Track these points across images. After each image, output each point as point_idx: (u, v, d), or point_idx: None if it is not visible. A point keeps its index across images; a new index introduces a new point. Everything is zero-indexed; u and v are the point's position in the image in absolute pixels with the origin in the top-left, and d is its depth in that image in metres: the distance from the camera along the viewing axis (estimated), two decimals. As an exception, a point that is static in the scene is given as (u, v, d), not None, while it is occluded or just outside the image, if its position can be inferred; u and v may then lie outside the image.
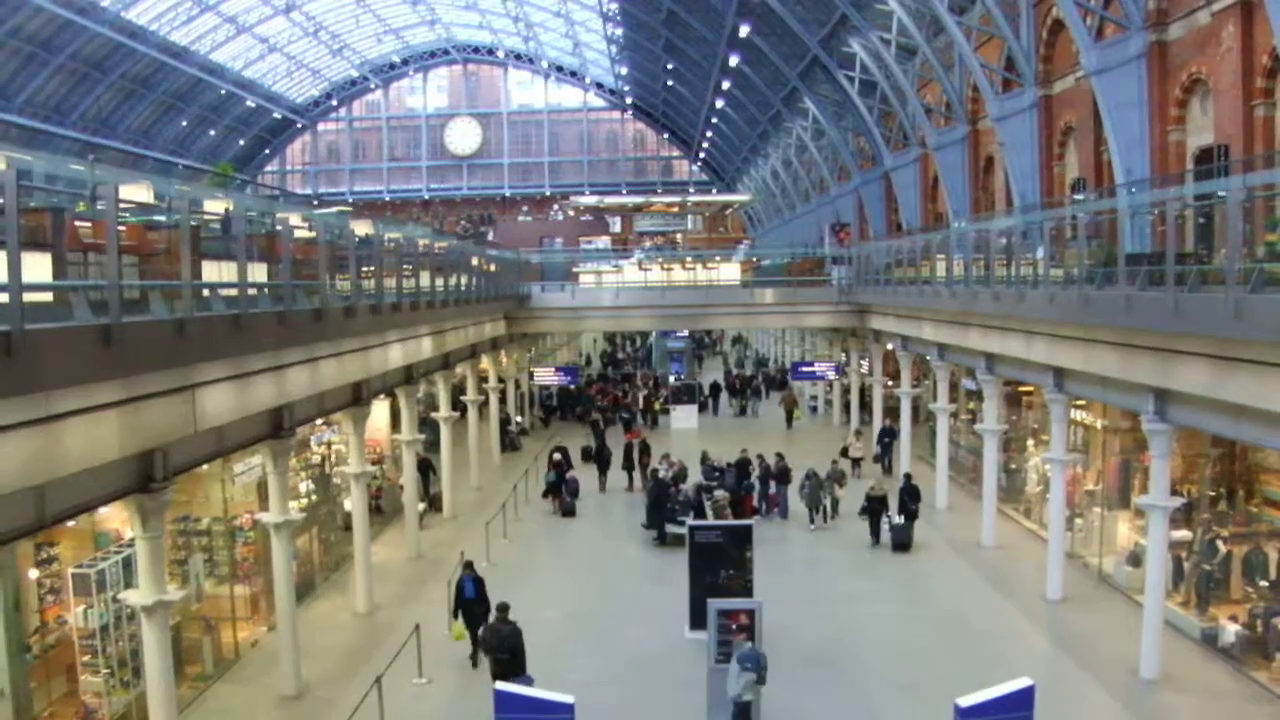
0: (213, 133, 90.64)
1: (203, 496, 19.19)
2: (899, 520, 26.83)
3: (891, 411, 37.77)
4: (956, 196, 42.43)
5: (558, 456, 33.43)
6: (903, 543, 26.60)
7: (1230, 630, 18.17)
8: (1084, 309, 17.35)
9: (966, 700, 12.06)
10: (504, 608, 17.38)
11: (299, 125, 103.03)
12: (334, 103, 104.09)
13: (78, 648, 15.57)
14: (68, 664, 15.71)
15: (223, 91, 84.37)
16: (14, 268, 8.32)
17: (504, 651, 16.75)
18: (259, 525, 19.98)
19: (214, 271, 14.16)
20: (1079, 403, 23.76)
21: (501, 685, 13.14)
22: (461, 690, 17.92)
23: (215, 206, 15.19)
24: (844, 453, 36.86)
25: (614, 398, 49.29)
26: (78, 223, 11.43)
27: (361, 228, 21.38)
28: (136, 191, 13.37)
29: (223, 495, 19.30)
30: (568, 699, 12.72)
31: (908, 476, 28.65)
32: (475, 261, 32.39)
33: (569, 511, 31.38)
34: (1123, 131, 27.66)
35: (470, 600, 19.25)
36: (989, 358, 24.72)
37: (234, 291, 13.38)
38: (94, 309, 10.20)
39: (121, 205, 11.82)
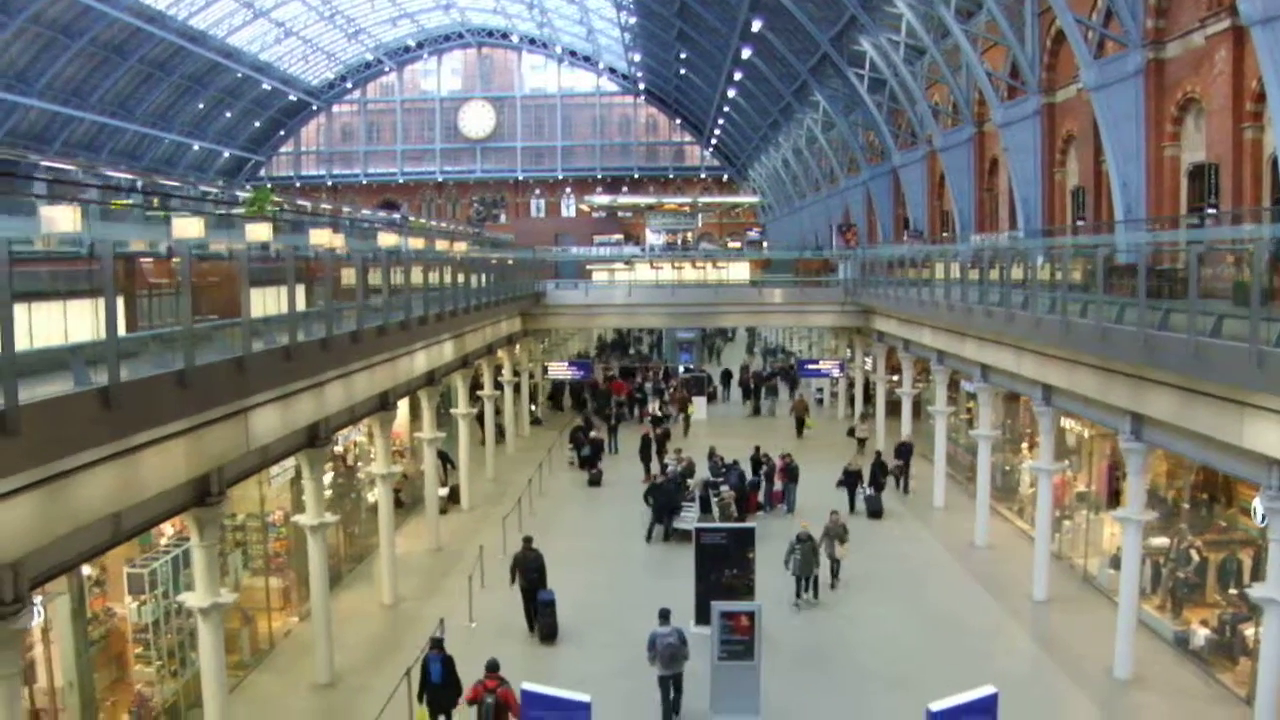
0: (229, 114, 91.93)
1: (239, 495, 20.45)
2: (870, 492, 30.92)
3: (893, 406, 38.95)
4: (962, 196, 43.45)
5: (592, 433, 38.08)
6: (875, 510, 30.73)
7: (1200, 634, 19.43)
8: (1065, 335, 18.57)
9: (937, 705, 13.32)
10: (529, 539, 22.72)
11: (314, 107, 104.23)
12: (348, 85, 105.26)
13: (131, 640, 16.86)
14: (116, 654, 16.99)
15: (239, 75, 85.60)
16: (111, 332, 9.58)
17: (534, 570, 21.81)
18: (290, 522, 21.41)
19: (259, 296, 15.40)
20: (1069, 411, 24.98)
21: (527, 685, 14.42)
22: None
23: (261, 233, 16.42)
24: (850, 433, 40.50)
25: (628, 391, 49.62)
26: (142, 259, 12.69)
27: (387, 240, 22.60)
28: (191, 225, 14.59)
29: (259, 494, 20.56)
30: (584, 698, 14.00)
31: (878, 454, 32.68)
32: (494, 262, 33.56)
33: (595, 481, 35.41)
34: (1120, 145, 28.67)
35: (436, 685, 16.65)
36: (984, 368, 25.86)
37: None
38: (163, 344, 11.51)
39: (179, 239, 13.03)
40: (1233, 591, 19.27)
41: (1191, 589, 20.53)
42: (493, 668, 15.89)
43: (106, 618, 16.83)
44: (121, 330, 11.06)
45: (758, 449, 32.87)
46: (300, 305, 16.19)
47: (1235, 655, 18.32)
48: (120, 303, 11.84)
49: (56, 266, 11.24)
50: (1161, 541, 21.45)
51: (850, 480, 31.40)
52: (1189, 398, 15.13)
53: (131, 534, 12.84)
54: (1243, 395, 13.46)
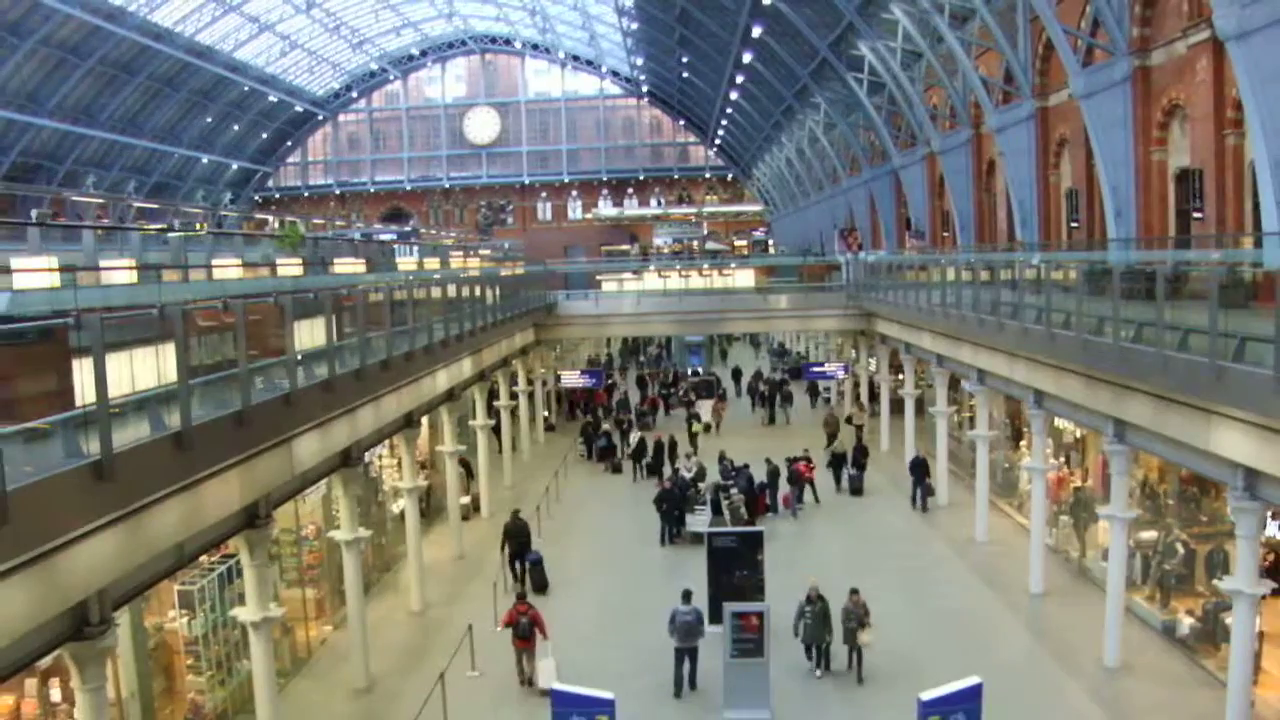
0: (236, 127, 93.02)
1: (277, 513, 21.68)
2: (854, 471, 34.89)
3: (897, 405, 40.11)
4: (961, 198, 44.33)
5: (605, 428, 42.47)
6: (858, 488, 34.81)
7: (1186, 623, 20.58)
8: (1051, 344, 19.72)
9: (928, 694, 14.56)
10: (516, 511, 27.03)
11: (320, 118, 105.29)
12: (354, 94, 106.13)
13: (182, 652, 18.07)
14: (165, 665, 18.20)
15: (246, 88, 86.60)
16: (183, 381, 10.77)
17: (521, 536, 26.14)
18: (323, 536, 22.67)
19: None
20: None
21: (558, 685, 15.64)
22: (510, 682, 20.31)
23: (293, 269, 17.61)
24: (849, 420, 42.54)
25: (650, 401, 50.45)
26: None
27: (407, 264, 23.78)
28: (231, 265, 15.78)
29: (294, 510, 21.75)
30: (609, 695, 15.17)
31: (859, 435, 36.28)
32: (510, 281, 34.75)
33: (618, 469, 38.96)
34: (1109, 150, 29.53)
35: None
36: (980, 371, 26.96)
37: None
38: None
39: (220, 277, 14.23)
40: (1216, 581, 20.35)
41: (1179, 580, 21.63)
42: (522, 597, 21.14)
43: (155, 632, 18.05)
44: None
45: (769, 461, 33.62)
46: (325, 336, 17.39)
47: (1218, 642, 19.40)
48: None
49: (123, 316, 12.37)
50: (1151, 535, 22.56)
51: (837, 461, 35.50)
52: (1163, 405, 16.26)
53: (192, 558, 14.07)
54: (1209, 404, 14.59)
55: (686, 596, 20.04)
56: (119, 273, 14.93)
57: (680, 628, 19.41)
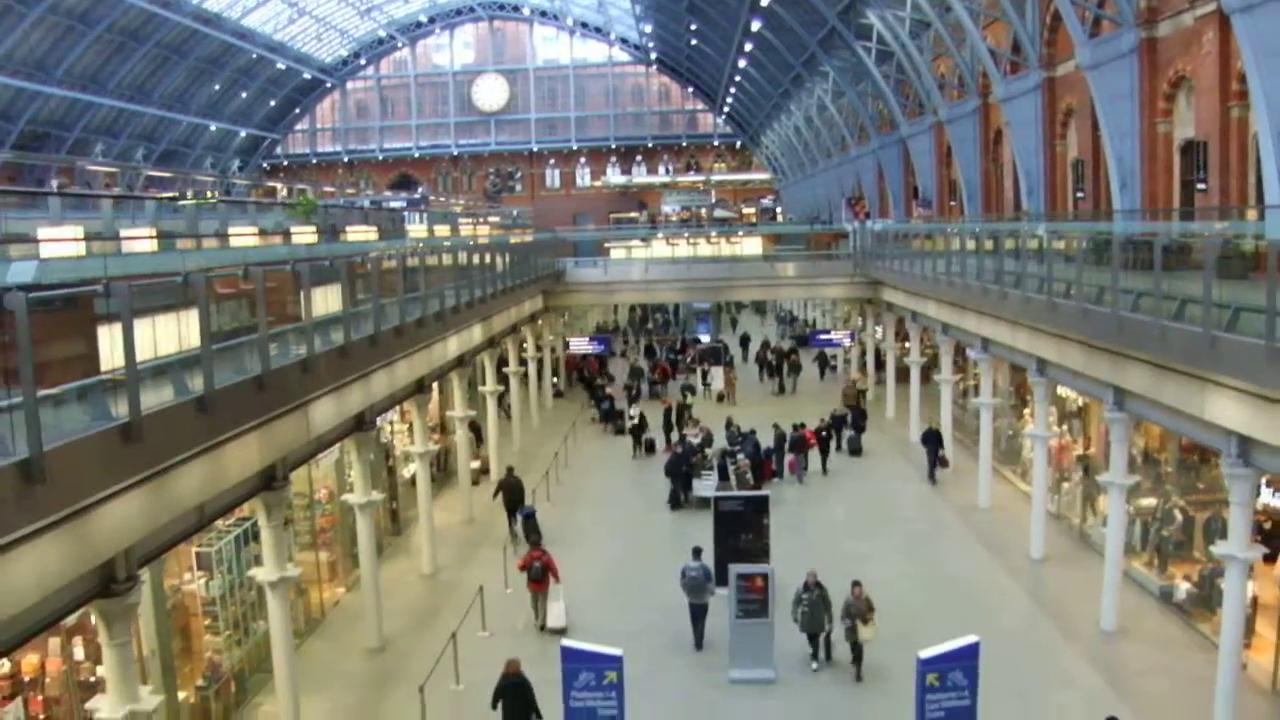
0: (244, 95, 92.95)
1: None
2: (852, 433, 36.27)
3: (903, 373, 40.44)
4: (968, 167, 44.53)
5: (608, 390, 43.51)
6: (856, 448, 36.16)
7: (1182, 588, 20.96)
8: (1052, 313, 20.05)
9: (926, 653, 15.00)
10: (510, 468, 28.44)
11: (328, 85, 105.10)
12: (362, 62, 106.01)
13: (200, 614, 18.51)
14: (182, 625, 18.64)
15: (254, 55, 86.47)
16: (205, 347, 11.14)
17: (516, 491, 27.58)
18: (336, 500, 23.12)
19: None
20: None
21: (566, 641, 16.04)
22: (519, 642, 20.71)
23: (307, 237, 17.95)
24: (852, 384, 43.28)
25: (661, 369, 50.56)
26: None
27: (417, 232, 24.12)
28: (246, 234, 16.13)
29: (307, 475, 22.16)
30: (617, 651, 15.60)
31: (860, 397, 38.15)
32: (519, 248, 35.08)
33: (620, 430, 39.48)
34: (1114, 122, 29.71)
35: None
36: (984, 340, 27.25)
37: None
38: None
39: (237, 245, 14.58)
40: (1210, 547, 20.74)
41: (1177, 547, 22.00)
42: (536, 543, 22.83)
43: (173, 593, 18.48)
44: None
45: (776, 426, 33.96)
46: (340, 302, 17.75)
47: (1213, 607, 19.76)
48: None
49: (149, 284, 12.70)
50: (1150, 502, 22.92)
51: (837, 423, 36.13)
52: (1160, 373, 16.58)
53: (212, 518, 14.50)
54: (1203, 372, 14.92)
55: (696, 553, 20.80)
56: (138, 241, 15.33)
57: (688, 583, 20.32)
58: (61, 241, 15.88)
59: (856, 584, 19.11)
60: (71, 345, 10.72)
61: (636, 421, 37.51)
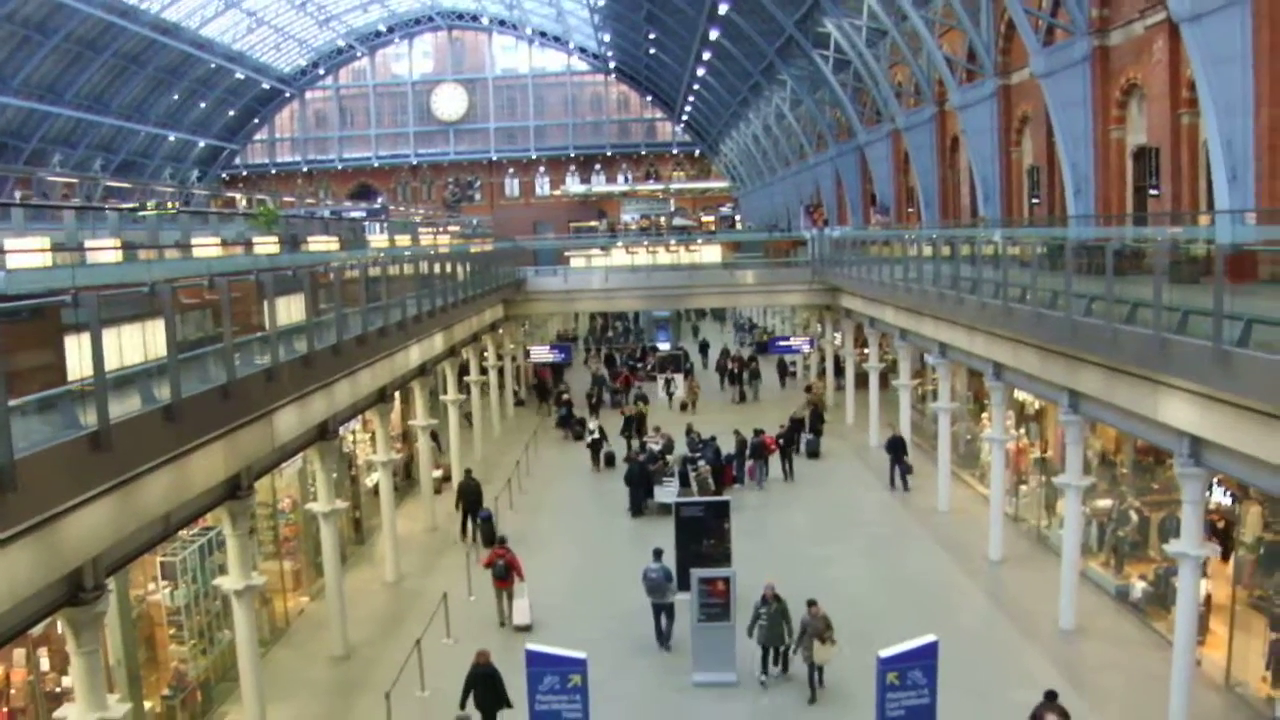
0: (203, 105, 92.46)
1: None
2: (810, 436, 36.98)
3: (862, 378, 40.90)
4: (925, 174, 45.01)
5: (566, 397, 43.61)
6: (815, 451, 36.66)
7: (1138, 587, 21.38)
8: (1007, 318, 20.42)
9: (886, 652, 15.26)
10: (469, 470, 29.24)
11: (287, 95, 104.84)
12: (321, 71, 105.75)
13: (165, 623, 18.49)
14: (147, 635, 18.61)
15: (213, 65, 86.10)
16: (172, 356, 11.21)
17: (473, 494, 28.25)
18: (299, 509, 23.14)
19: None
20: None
21: (531, 645, 16.13)
22: (485, 641, 20.62)
23: (270, 247, 18.02)
24: (808, 389, 44.64)
25: (624, 378, 50.35)
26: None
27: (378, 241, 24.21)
28: (209, 244, 16.18)
29: (270, 484, 22.17)
30: (581, 655, 15.74)
31: (816, 404, 39.14)
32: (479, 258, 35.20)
33: (579, 436, 39.81)
34: (1068, 129, 30.15)
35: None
36: (941, 345, 27.62)
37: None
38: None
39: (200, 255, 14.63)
40: (1164, 546, 21.16)
41: (1133, 547, 22.40)
42: (502, 541, 22.88)
43: (138, 603, 18.45)
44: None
45: (737, 433, 34.17)
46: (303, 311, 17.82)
47: (1168, 605, 20.14)
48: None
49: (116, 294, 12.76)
50: (1106, 504, 23.33)
51: (795, 426, 36.53)
52: (1112, 376, 16.96)
53: (178, 527, 14.51)
54: (1154, 374, 15.28)
55: (657, 554, 21.04)
56: (102, 251, 15.37)
57: (650, 584, 20.68)
58: (27, 252, 15.88)
59: (812, 602, 18.26)
60: (39, 355, 10.76)
61: (596, 435, 37.12)
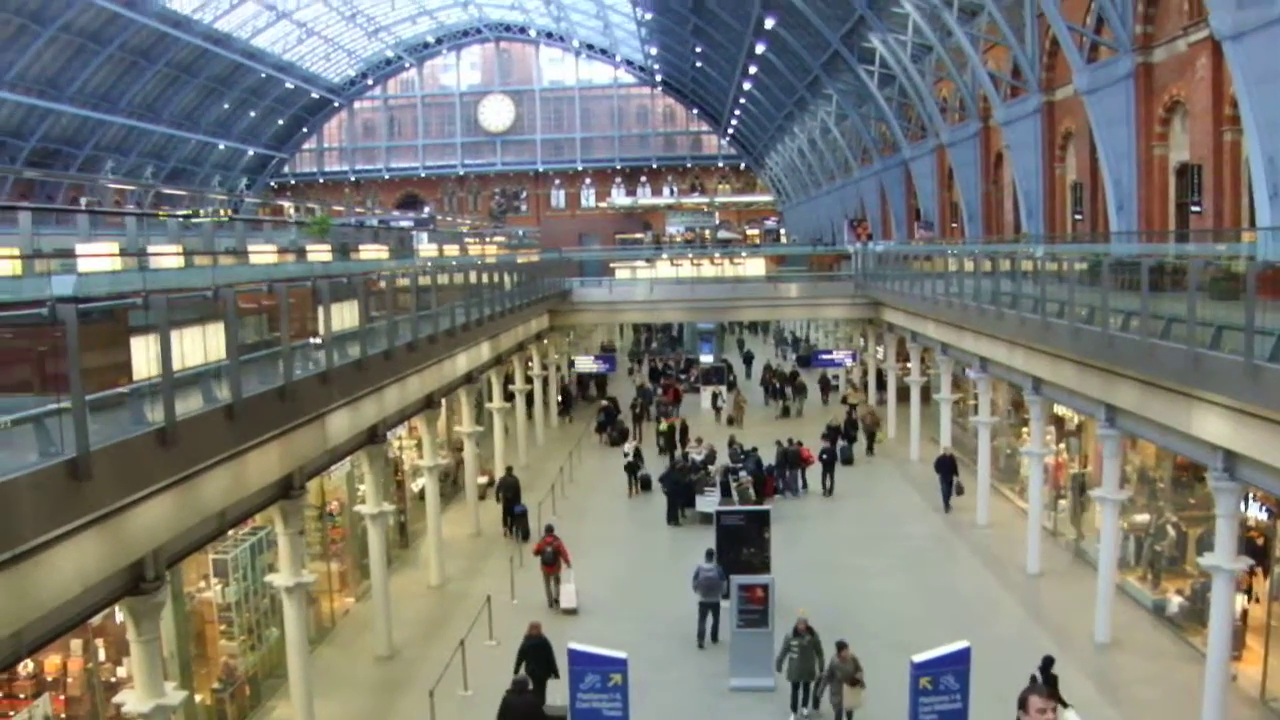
0: (253, 114, 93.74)
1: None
2: (844, 443, 37.85)
3: (904, 391, 41.05)
4: (969, 189, 45.04)
5: (605, 404, 44.65)
6: (848, 458, 37.56)
7: (1174, 601, 21.46)
8: (1046, 333, 20.62)
9: (919, 657, 15.56)
10: (510, 468, 31.03)
11: (336, 104, 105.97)
12: (369, 82, 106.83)
13: (216, 619, 19.03)
14: (197, 630, 19.15)
15: (263, 74, 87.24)
16: (232, 358, 11.71)
17: (512, 490, 29.77)
18: (346, 511, 23.68)
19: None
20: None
21: (573, 645, 16.51)
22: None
23: (323, 255, 18.56)
24: (843, 400, 45.29)
25: (674, 392, 49.44)
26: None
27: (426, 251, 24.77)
28: (266, 251, 16.73)
29: (320, 487, 22.70)
30: (622, 655, 16.12)
31: (851, 411, 40.47)
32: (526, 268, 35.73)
33: (615, 442, 41.19)
34: (1111, 146, 30.19)
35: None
36: (982, 359, 27.79)
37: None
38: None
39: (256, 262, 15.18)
40: (1198, 559, 21.24)
41: (1170, 561, 22.49)
42: (550, 530, 24.30)
43: (189, 600, 18.99)
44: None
45: (788, 442, 34.52)
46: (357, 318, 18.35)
47: (1204, 620, 20.20)
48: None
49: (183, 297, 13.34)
50: (1144, 518, 23.43)
51: (832, 434, 37.54)
52: (1148, 390, 17.15)
53: (233, 524, 15.03)
54: (1190, 389, 15.46)
55: (710, 555, 21.61)
56: (164, 257, 16.03)
57: (703, 583, 21.17)
58: (98, 256, 16.57)
59: (843, 645, 17.39)
60: (109, 354, 11.29)
61: (631, 458, 35.60)
